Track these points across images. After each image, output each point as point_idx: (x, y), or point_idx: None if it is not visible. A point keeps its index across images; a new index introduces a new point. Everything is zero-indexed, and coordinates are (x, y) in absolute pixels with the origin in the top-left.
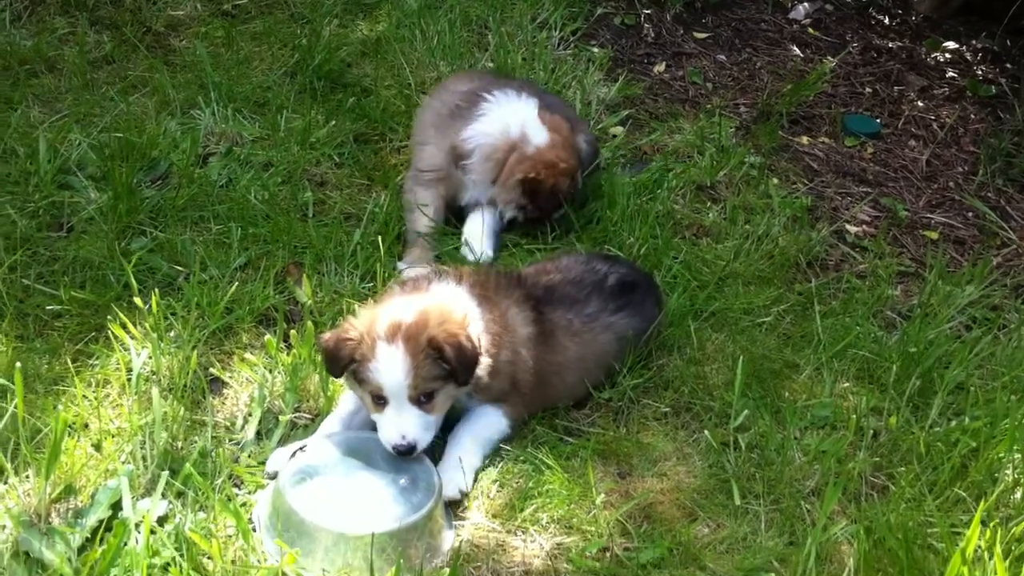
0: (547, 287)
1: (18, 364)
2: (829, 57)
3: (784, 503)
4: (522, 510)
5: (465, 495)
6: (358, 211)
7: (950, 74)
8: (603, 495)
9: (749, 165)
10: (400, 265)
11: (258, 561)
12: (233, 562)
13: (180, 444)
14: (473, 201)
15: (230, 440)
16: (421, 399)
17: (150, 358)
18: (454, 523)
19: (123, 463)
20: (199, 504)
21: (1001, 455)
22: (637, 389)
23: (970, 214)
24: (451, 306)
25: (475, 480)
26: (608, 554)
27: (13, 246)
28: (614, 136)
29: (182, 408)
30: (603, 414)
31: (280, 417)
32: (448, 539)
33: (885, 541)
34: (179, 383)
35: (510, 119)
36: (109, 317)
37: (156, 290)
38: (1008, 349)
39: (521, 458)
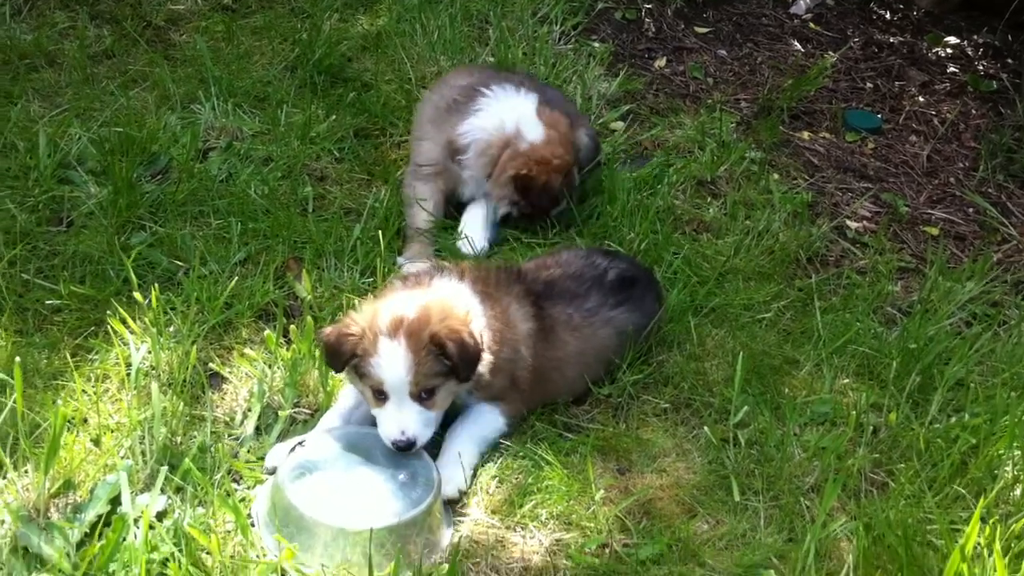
0: (547, 282)
1: (17, 359)
2: (830, 52)
3: (783, 499)
4: (521, 506)
5: (464, 494)
6: (358, 206)
7: (951, 69)
8: (602, 491)
9: (750, 160)
10: (400, 260)
11: (257, 556)
12: (232, 557)
13: (179, 439)
14: (472, 195)
15: (229, 435)
16: (422, 395)
17: (149, 353)
18: (453, 519)
19: (122, 458)
20: (198, 499)
21: (1001, 452)
22: (637, 385)
23: (971, 210)
24: (453, 302)
25: (474, 478)
26: (607, 550)
27: (13, 240)
28: (614, 131)
29: (181, 403)
30: (603, 410)
31: (279, 412)
32: (447, 536)
33: (884, 538)
34: (178, 378)
35: (506, 115)
36: (108, 312)
37: (156, 285)
38: (1008, 345)
39: (520, 454)
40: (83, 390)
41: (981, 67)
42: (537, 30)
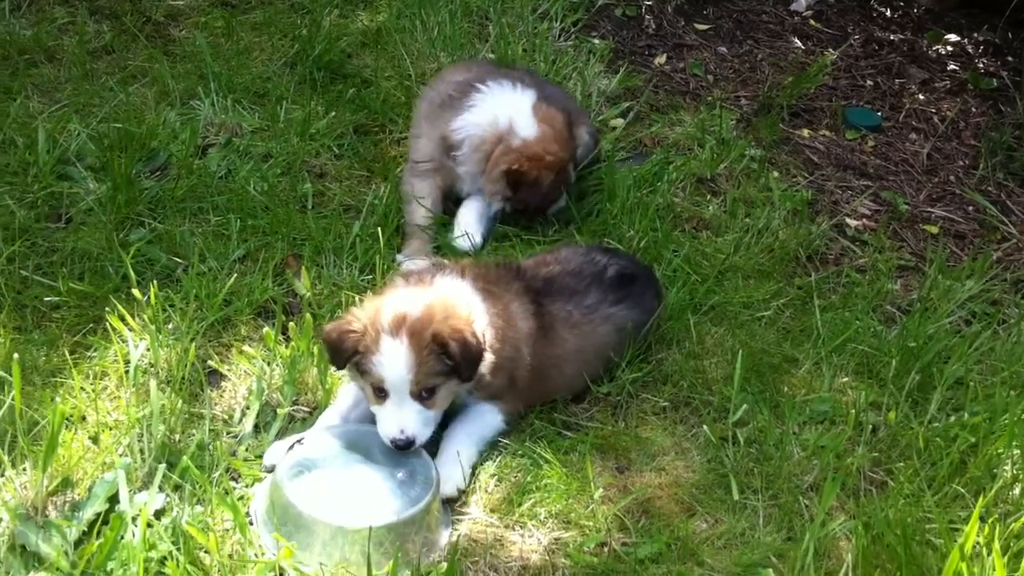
0: (546, 279)
1: (16, 356)
2: (830, 49)
3: (782, 498)
4: (520, 505)
5: (463, 493)
6: (357, 203)
7: (951, 67)
8: (601, 490)
9: (749, 158)
10: (399, 257)
11: (255, 555)
12: (230, 556)
13: (178, 437)
14: (470, 192)
15: (228, 433)
16: (422, 394)
17: (148, 350)
18: (451, 519)
19: (120, 456)
20: (196, 497)
21: (1000, 451)
22: (636, 383)
23: (970, 208)
24: (456, 301)
25: (472, 477)
26: (606, 549)
27: (11, 237)
28: (614, 128)
29: (180, 401)
30: (601, 408)
31: (278, 410)
32: (445, 535)
33: (883, 537)
34: (177, 375)
35: (500, 110)
36: (107, 309)
37: (154, 282)
38: (1008, 344)
39: (519, 452)
40: (81, 387)
41: (981, 65)
42: (537, 26)
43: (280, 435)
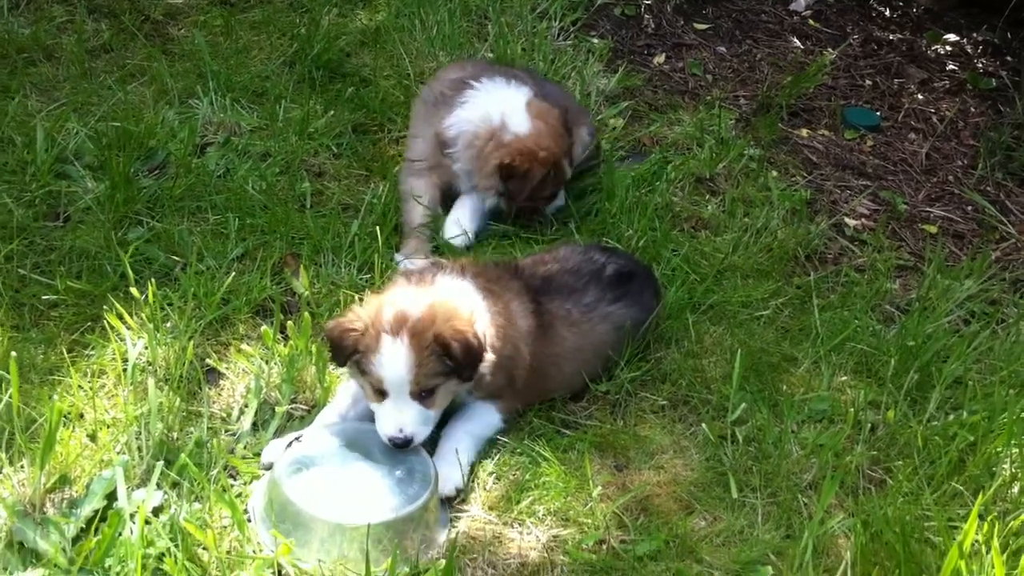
0: (544, 277)
1: (13, 354)
2: (829, 49)
3: (781, 496)
4: (519, 502)
5: (461, 491)
6: (356, 202)
7: (950, 67)
8: (600, 488)
9: (748, 157)
10: (397, 257)
11: (253, 552)
12: (228, 553)
13: (176, 435)
14: (466, 189)
15: (226, 431)
16: (422, 394)
17: (146, 348)
18: (450, 516)
19: (118, 453)
20: (194, 495)
21: (999, 449)
22: (635, 382)
23: (969, 208)
24: (458, 301)
25: (471, 475)
26: (604, 546)
27: (9, 235)
28: (613, 127)
29: (178, 399)
30: (600, 407)
31: (276, 408)
32: (443, 533)
33: (882, 535)
34: (175, 374)
35: (492, 106)
36: (105, 307)
37: (153, 280)
38: (1006, 343)
39: (518, 450)
40: (79, 385)
41: (980, 65)
42: (536, 26)
43: (278, 433)
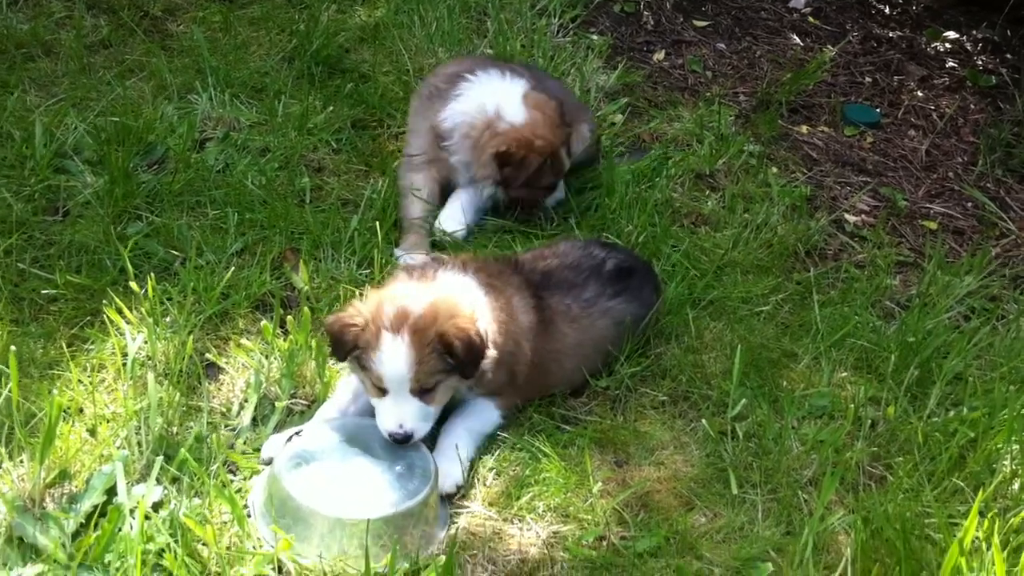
0: (544, 272)
1: (13, 348)
2: (829, 46)
3: (781, 492)
4: (519, 498)
5: (460, 489)
6: (355, 197)
7: (950, 64)
8: (600, 484)
9: (748, 154)
10: (397, 252)
11: (253, 547)
12: (228, 548)
13: (175, 430)
14: (465, 183)
15: (226, 426)
16: (422, 391)
17: (146, 343)
18: (450, 511)
19: (118, 448)
20: (194, 490)
21: (999, 446)
22: (635, 378)
23: (969, 204)
24: (460, 298)
25: (470, 472)
26: (604, 543)
27: (9, 230)
28: (613, 124)
29: (178, 394)
30: (600, 402)
31: (276, 403)
32: (442, 530)
33: (882, 531)
34: (175, 368)
35: (486, 97)
36: (105, 302)
37: (152, 275)
38: (1006, 339)
39: (518, 446)
40: (79, 380)
41: (980, 62)
42: (535, 22)
43: (278, 428)
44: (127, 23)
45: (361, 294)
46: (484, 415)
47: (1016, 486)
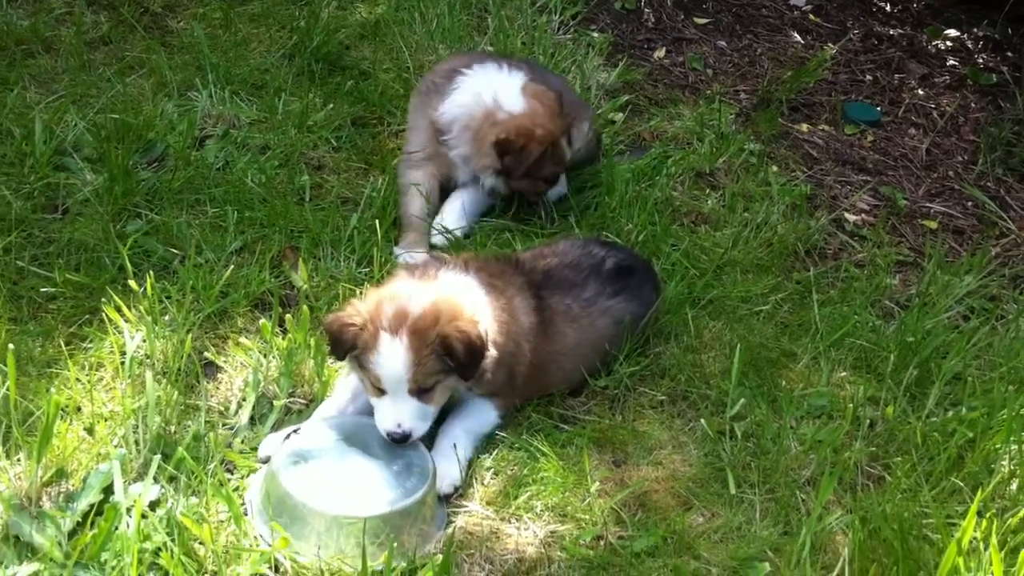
0: (545, 271)
1: (11, 346)
2: (830, 44)
3: (779, 492)
4: (516, 498)
5: (458, 489)
6: (355, 195)
7: (951, 62)
8: (598, 483)
9: (748, 152)
10: (396, 250)
11: (250, 546)
12: (225, 547)
13: (173, 428)
14: (464, 179)
15: (224, 425)
16: (420, 391)
17: (144, 341)
18: (448, 511)
19: (115, 447)
20: (191, 489)
21: (998, 446)
22: (633, 377)
23: (969, 203)
24: (461, 299)
25: (468, 472)
26: (602, 542)
27: (8, 227)
28: (613, 122)
29: (176, 392)
30: (599, 402)
31: (274, 402)
32: (440, 530)
33: (880, 531)
34: (173, 367)
35: (483, 88)
36: (103, 300)
37: (151, 273)
38: (1006, 339)
39: (516, 445)
40: (77, 378)
41: (981, 60)
42: (536, 19)
43: (276, 427)
44: (127, 19)
45: (360, 293)
46: (482, 416)
47: (1014, 486)
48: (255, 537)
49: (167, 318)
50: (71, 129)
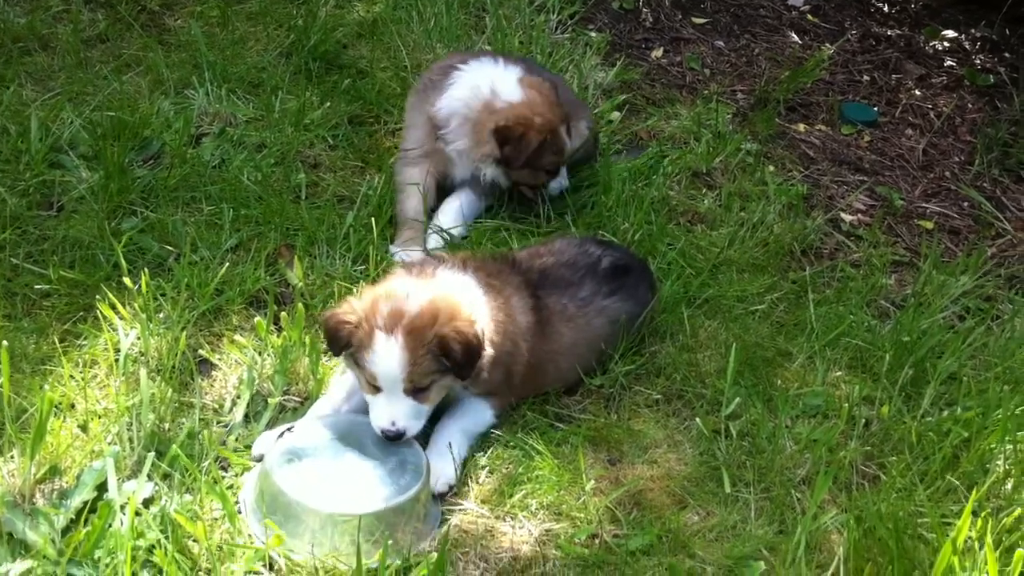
0: (541, 270)
1: (5, 343)
2: (827, 44)
3: (774, 491)
4: (511, 496)
5: (453, 488)
6: (351, 194)
7: (948, 63)
8: (593, 482)
9: (745, 152)
10: (392, 248)
11: (244, 543)
12: (219, 544)
13: (167, 426)
14: (463, 177)
15: (218, 422)
16: (416, 390)
17: (138, 339)
18: (442, 509)
19: (109, 444)
20: (185, 486)
21: (993, 446)
22: (629, 376)
23: (965, 204)
24: (459, 299)
25: (463, 471)
26: (597, 541)
27: (3, 225)
28: (611, 121)
29: (170, 390)
30: (594, 400)
31: (269, 400)
32: (434, 528)
33: (875, 530)
34: (167, 364)
35: (480, 81)
36: (98, 297)
37: (146, 270)
38: (1001, 340)
39: (511, 444)
40: (71, 375)
41: (978, 61)
42: (534, 19)
43: (271, 425)
44: (124, 17)
45: (356, 291)
46: (478, 415)
47: (1009, 486)
48: (249, 535)
49: (162, 315)
50: (67, 126)
